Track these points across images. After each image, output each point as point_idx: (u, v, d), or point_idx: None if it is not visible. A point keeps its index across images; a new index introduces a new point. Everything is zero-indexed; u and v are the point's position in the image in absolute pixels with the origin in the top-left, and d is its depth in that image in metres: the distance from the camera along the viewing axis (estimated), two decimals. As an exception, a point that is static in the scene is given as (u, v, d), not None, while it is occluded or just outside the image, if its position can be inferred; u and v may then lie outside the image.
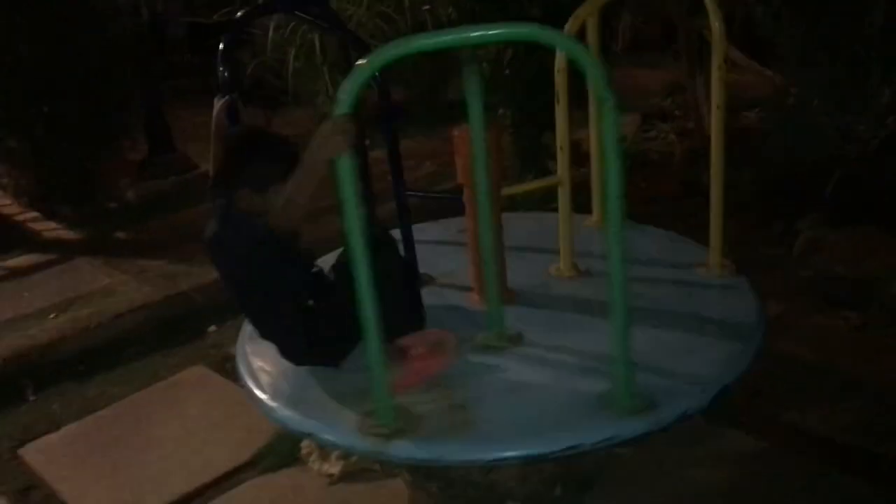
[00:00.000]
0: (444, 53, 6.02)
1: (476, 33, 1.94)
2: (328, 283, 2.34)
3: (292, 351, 2.29)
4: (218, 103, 2.54)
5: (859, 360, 2.82)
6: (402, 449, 2.02)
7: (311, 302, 2.27)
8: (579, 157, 3.10)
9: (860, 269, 3.23)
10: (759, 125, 4.58)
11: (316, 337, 2.23)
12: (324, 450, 2.55)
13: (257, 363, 2.43)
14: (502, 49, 4.11)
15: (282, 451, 2.65)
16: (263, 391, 2.31)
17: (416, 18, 5.86)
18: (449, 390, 2.22)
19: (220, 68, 2.60)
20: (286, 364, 2.35)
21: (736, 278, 2.66)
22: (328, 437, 2.13)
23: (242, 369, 2.44)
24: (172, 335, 3.55)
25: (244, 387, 2.38)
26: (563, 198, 2.67)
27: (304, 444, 2.61)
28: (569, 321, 2.48)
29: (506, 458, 2.03)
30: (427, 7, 5.67)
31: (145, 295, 3.78)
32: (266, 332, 2.33)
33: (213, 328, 3.58)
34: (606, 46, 3.71)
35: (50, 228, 4.88)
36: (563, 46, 1.85)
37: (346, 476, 2.49)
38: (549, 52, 3.81)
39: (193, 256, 4.17)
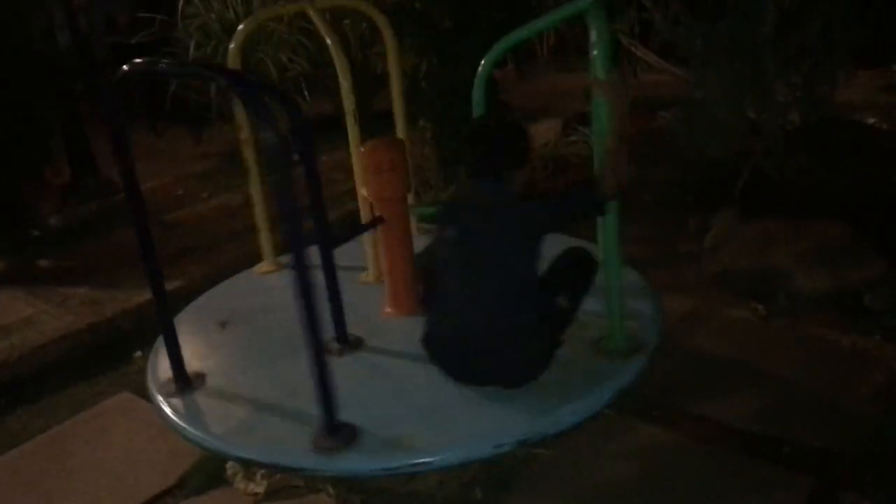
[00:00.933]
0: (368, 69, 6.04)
1: None
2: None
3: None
4: None
5: (765, 351, 2.95)
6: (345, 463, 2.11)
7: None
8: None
9: (766, 261, 3.36)
10: (672, 125, 4.72)
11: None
12: (249, 470, 2.57)
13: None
14: (418, 63, 4.18)
15: (207, 472, 2.66)
16: (175, 411, 2.35)
17: (337, 32, 5.90)
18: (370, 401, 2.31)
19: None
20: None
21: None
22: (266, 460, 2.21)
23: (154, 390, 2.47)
24: (97, 363, 3.51)
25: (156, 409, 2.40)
26: None
27: (230, 464, 2.62)
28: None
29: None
30: (347, 21, 5.72)
31: (68, 323, 3.73)
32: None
33: (138, 353, 3.55)
34: (531, 52, 3.80)
35: (-31, 259, 4.77)
36: None
37: (272, 494, 2.51)
38: (465, 64, 3.91)
39: (119, 282, 4.14)
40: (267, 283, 3.47)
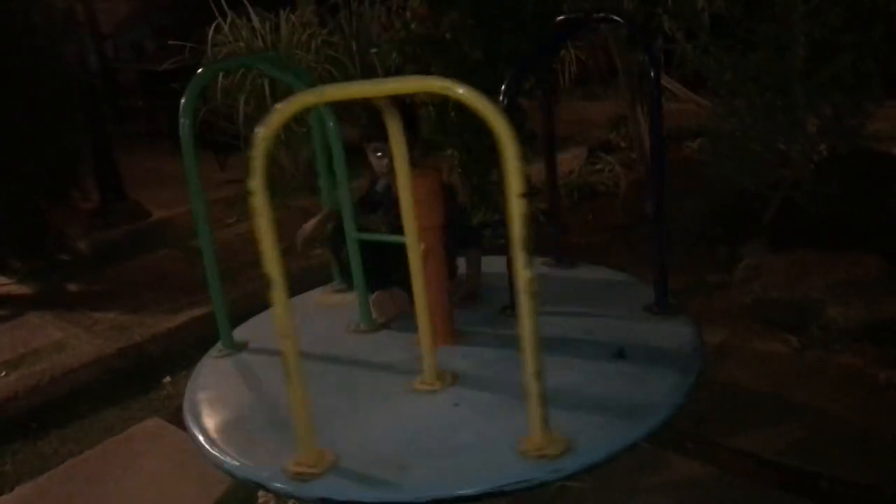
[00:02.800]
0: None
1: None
2: None
3: None
4: None
5: (799, 383, 2.92)
6: (322, 489, 2.08)
7: None
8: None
9: (798, 292, 3.34)
10: (700, 155, 4.73)
11: None
12: (280, 498, 2.56)
13: (205, 410, 2.47)
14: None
15: (239, 499, 2.66)
16: (205, 435, 2.35)
17: (364, 62, 5.98)
18: (375, 432, 2.30)
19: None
20: (233, 409, 2.40)
21: (677, 320, 2.73)
22: (250, 477, 2.19)
23: (188, 414, 2.47)
24: (126, 388, 3.53)
25: (188, 432, 2.40)
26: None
27: (261, 493, 2.61)
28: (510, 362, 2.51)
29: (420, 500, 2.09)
30: (374, 51, 5.78)
31: (97, 348, 3.76)
32: None
33: (167, 379, 3.57)
34: (554, 81, 3.84)
35: (-1, 284, 4.83)
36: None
37: (303, 523, 2.50)
38: (493, 94, 3.93)
39: (147, 306, 4.17)
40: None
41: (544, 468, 2.11)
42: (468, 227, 2.90)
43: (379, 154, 2.75)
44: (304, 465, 2.15)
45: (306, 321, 2.84)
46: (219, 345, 2.82)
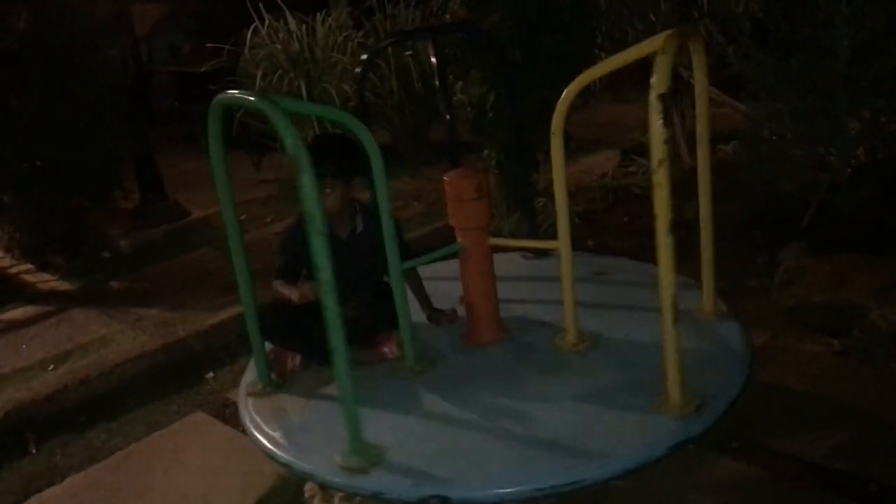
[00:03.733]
0: (428, 98, 6.16)
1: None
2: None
3: None
4: None
5: (843, 386, 2.91)
6: (371, 483, 2.12)
7: None
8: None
9: (840, 296, 3.33)
10: (735, 158, 4.72)
11: None
12: (327, 492, 2.61)
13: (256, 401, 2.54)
14: (485, 92, 4.24)
15: (286, 495, 2.70)
16: (256, 426, 2.41)
17: (399, 65, 6.03)
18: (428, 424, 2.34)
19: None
20: (289, 400, 2.47)
21: (727, 320, 2.74)
22: (306, 469, 2.24)
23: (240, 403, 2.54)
24: (171, 383, 3.59)
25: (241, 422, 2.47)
26: (566, 262, 2.59)
27: (307, 486, 2.66)
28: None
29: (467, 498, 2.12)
30: (409, 53, 5.83)
31: (142, 343, 3.83)
32: None
33: (210, 374, 3.63)
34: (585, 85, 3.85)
35: (44, 280, 4.92)
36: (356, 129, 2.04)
37: (351, 517, 2.54)
38: (531, 95, 3.95)
39: (189, 303, 4.23)
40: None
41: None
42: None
43: (327, 190, 2.51)
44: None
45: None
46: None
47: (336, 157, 2.55)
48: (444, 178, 2.61)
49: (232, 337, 3.75)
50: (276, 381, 2.62)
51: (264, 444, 2.39)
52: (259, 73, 5.96)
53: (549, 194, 3.18)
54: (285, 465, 2.34)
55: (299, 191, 1.92)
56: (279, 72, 5.93)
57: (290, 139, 1.91)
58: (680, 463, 2.49)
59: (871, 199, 3.92)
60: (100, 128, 5.12)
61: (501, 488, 2.09)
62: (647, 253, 3.09)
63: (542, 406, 2.35)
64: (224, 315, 4.00)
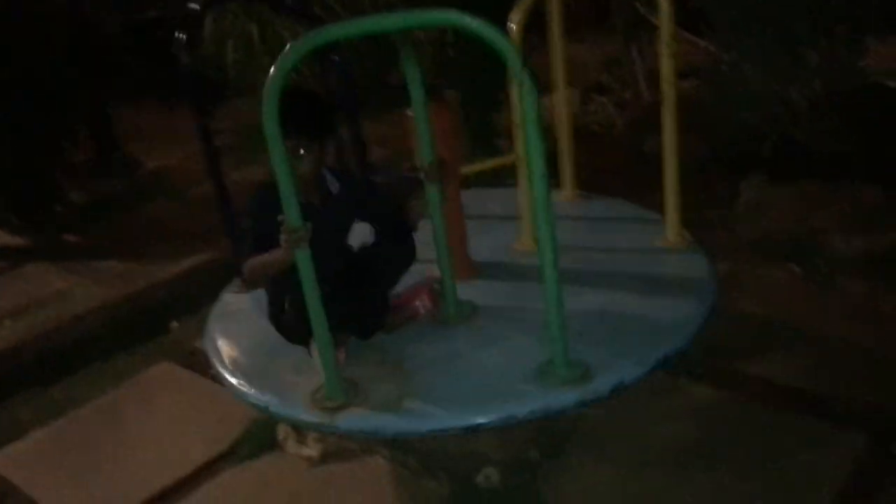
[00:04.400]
0: (383, 39, 6.04)
1: (394, 19, 2.03)
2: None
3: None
4: None
5: (806, 311, 2.97)
6: (347, 422, 2.14)
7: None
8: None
9: (801, 224, 3.38)
10: (695, 94, 4.71)
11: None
12: (301, 433, 2.59)
13: (224, 345, 2.51)
14: (444, 31, 4.16)
15: (259, 437, 2.67)
16: (227, 369, 2.39)
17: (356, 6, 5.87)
18: (399, 365, 2.34)
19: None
20: (255, 343, 2.43)
21: (691, 250, 2.78)
22: (278, 410, 2.24)
23: (209, 350, 2.51)
24: (134, 334, 3.52)
25: (211, 367, 2.44)
26: (522, 173, 2.74)
27: (281, 428, 2.64)
28: (528, 293, 2.56)
29: (440, 430, 2.15)
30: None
31: (102, 295, 3.75)
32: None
33: (174, 324, 3.57)
34: (541, 24, 3.80)
35: (-6, 235, 4.78)
36: (479, 31, 1.94)
37: (326, 457, 2.53)
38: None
39: (148, 254, 4.15)
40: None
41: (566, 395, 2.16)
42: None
43: (301, 152, 2.37)
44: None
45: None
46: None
47: (310, 115, 2.36)
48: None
49: (194, 286, 3.70)
50: (354, 390, 2.46)
51: (237, 388, 2.38)
52: (209, 19, 5.75)
53: (510, 136, 3.16)
54: (259, 408, 2.34)
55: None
56: (230, 16, 5.73)
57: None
58: (647, 389, 2.54)
59: (829, 130, 3.96)
60: (49, 78, 4.91)
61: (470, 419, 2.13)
62: (609, 189, 3.10)
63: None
64: (186, 264, 3.93)
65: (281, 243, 2.22)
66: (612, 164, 4.60)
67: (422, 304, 2.59)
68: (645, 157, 4.24)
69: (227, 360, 2.54)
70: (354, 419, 2.22)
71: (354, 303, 2.48)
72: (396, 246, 2.54)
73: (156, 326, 3.57)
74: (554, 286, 2.07)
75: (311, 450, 2.56)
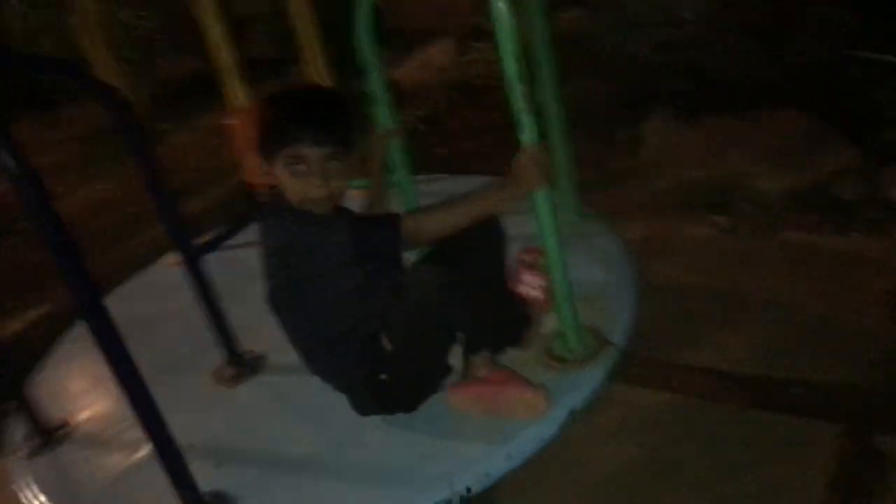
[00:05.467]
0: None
1: None
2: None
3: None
4: None
5: (742, 271, 2.56)
6: None
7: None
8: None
9: (718, 167, 2.97)
10: (582, 26, 4.26)
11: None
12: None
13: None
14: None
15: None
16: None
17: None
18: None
19: None
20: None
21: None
22: None
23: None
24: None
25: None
26: None
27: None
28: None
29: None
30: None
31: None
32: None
33: None
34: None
35: None
36: None
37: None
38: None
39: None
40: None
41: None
42: None
43: (337, 164, 1.84)
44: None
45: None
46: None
47: (342, 116, 1.83)
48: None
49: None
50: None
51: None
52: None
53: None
54: None
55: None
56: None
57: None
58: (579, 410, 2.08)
59: (733, 48, 3.55)
60: None
61: None
62: (499, 151, 2.57)
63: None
64: None
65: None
66: (495, 122, 4.10)
67: (529, 287, 2.10)
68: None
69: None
70: None
71: (479, 305, 1.95)
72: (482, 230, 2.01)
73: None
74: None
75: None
